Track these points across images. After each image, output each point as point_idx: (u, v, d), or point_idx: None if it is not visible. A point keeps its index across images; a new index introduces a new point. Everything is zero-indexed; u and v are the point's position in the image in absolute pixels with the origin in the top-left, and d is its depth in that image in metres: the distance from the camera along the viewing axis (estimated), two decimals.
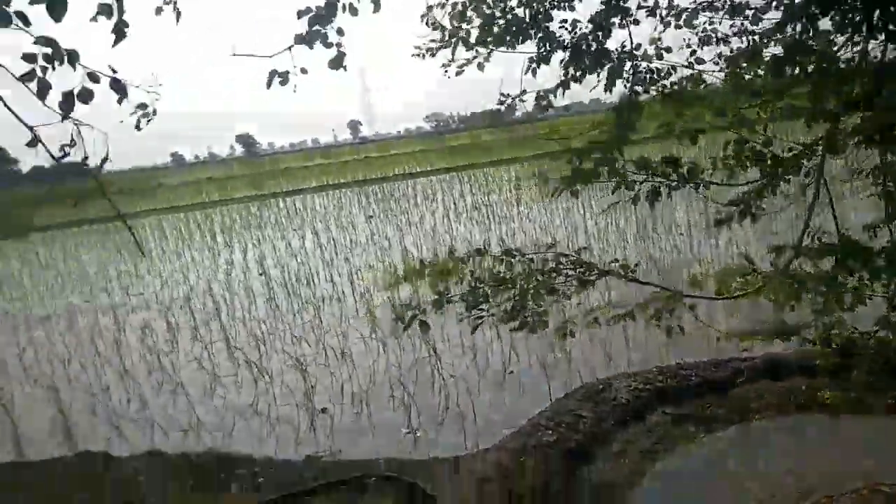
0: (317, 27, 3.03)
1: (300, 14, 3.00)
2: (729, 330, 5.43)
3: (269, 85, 3.06)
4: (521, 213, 16.53)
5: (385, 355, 7.23)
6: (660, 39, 4.36)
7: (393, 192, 25.98)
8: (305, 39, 2.99)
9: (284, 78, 3.04)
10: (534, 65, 4.30)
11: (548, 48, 4.26)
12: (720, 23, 4.63)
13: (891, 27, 3.61)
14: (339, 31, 3.11)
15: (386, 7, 3.19)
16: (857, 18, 3.76)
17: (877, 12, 3.61)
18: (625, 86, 4.36)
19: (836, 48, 3.91)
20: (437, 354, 6.90)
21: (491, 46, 4.31)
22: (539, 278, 3.74)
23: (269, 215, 22.76)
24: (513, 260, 3.75)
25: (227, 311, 10.08)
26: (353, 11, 3.08)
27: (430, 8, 4.42)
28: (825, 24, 3.91)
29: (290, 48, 3.00)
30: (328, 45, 3.03)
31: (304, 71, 3.06)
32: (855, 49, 3.87)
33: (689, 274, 8.36)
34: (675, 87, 4.48)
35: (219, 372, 7.34)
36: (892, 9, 3.57)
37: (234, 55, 3.08)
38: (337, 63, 3.11)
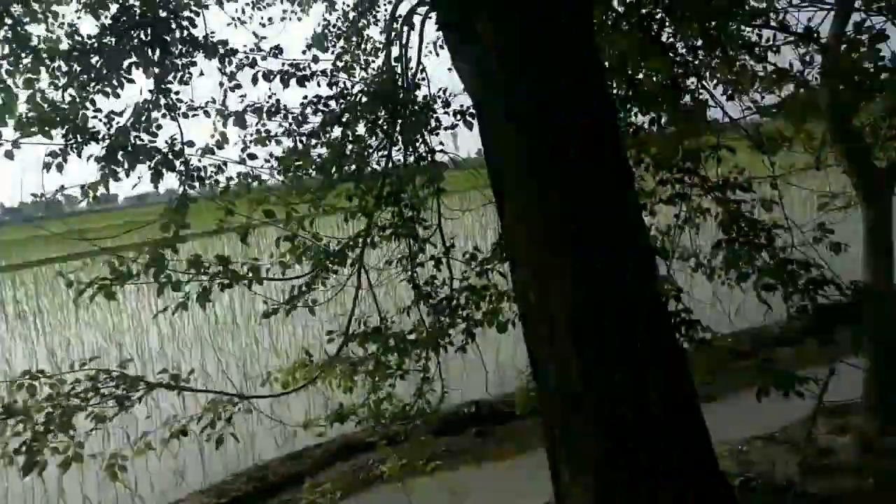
0: None
1: None
2: (305, 420, 5.26)
3: None
4: (83, 318, 14.17)
5: None
6: (223, 135, 4.26)
7: None
8: None
9: None
10: (59, 159, 4.00)
11: (79, 140, 3.98)
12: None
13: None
14: None
15: None
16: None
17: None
18: (180, 181, 4.30)
19: (369, 152, 4.51)
20: None
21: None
22: (66, 403, 3.46)
23: None
24: (35, 383, 3.36)
25: None
26: None
27: None
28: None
29: None
30: None
31: None
32: (383, 153, 4.51)
33: (265, 368, 7.32)
34: (229, 184, 4.54)
35: None
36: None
37: None
38: None
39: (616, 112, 4.90)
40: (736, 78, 5.72)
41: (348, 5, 6.69)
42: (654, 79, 5.47)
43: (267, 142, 4.60)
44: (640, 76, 5.49)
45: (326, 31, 6.44)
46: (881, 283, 5.27)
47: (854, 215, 5.71)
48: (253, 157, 4.50)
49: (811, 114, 5.29)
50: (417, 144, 4.46)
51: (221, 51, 4.38)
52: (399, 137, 4.32)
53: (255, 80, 4.18)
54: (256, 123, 4.56)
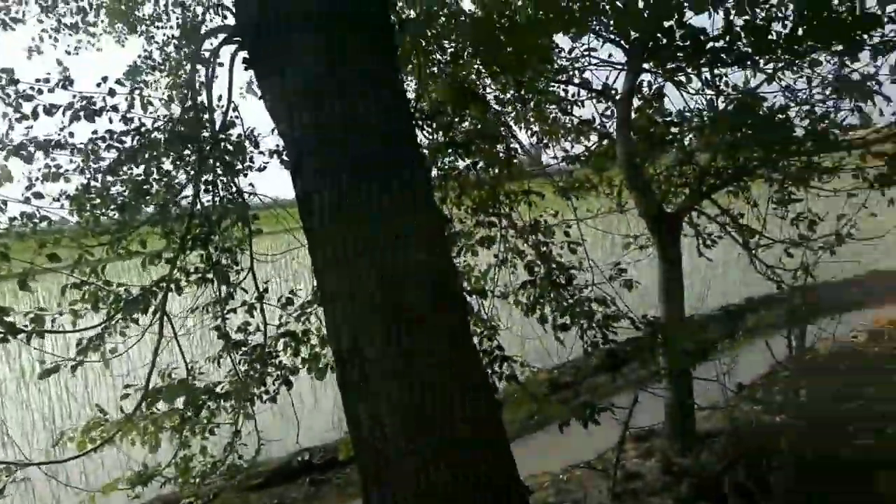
0: None
1: None
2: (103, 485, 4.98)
3: None
4: None
5: None
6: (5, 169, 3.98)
7: None
8: None
9: None
10: None
11: None
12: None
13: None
14: None
15: None
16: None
17: None
18: None
19: (174, 191, 4.31)
20: None
21: None
22: None
23: None
24: None
25: None
26: None
27: None
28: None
29: None
30: None
31: None
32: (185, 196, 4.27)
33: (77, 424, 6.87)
34: (12, 225, 4.22)
35: None
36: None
37: None
38: None
39: (427, 158, 5.04)
40: (548, 128, 6.17)
41: (168, 37, 6.42)
42: (475, 127, 5.75)
43: (56, 178, 4.18)
44: (465, 123, 5.75)
45: (144, 63, 6.13)
46: (674, 318, 5.80)
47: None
48: (39, 195, 4.08)
49: (610, 162, 5.80)
50: (226, 184, 4.27)
51: (3, 80, 3.99)
52: (205, 177, 4.11)
53: (34, 114, 3.82)
54: (45, 158, 4.15)
